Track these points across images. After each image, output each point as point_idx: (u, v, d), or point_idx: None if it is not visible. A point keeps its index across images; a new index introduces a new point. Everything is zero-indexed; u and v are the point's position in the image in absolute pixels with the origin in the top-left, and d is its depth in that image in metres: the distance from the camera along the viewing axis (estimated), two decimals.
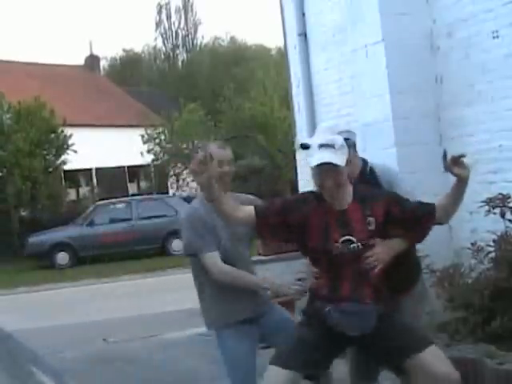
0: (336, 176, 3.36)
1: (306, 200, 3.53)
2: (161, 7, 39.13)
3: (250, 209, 3.50)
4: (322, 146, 3.35)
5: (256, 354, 3.90)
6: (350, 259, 3.40)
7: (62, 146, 21.16)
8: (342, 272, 3.42)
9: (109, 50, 67.85)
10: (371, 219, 3.42)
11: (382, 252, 3.42)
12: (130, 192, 24.94)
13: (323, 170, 3.35)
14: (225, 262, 3.78)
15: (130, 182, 27.35)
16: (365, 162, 3.96)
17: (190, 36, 39.92)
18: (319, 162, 3.32)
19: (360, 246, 3.39)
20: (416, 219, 3.49)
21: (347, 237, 3.39)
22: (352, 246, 3.39)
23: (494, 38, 5.64)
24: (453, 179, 3.48)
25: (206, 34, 59.65)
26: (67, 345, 7.86)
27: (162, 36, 39.46)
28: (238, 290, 3.79)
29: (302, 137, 8.44)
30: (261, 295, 3.85)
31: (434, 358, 3.33)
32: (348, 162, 3.42)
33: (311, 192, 3.60)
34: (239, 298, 3.81)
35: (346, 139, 3.46)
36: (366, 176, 3.87)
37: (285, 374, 3.31)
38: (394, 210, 3.46)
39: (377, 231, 3.43)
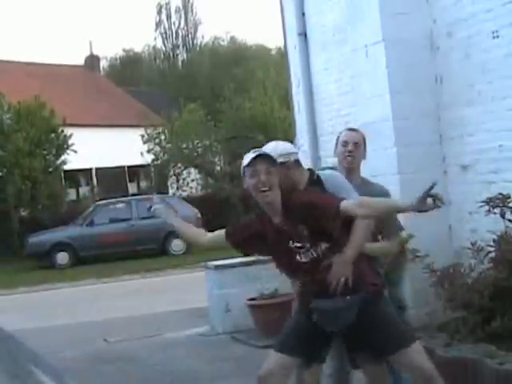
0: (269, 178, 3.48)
1: (258, 215, 3.66)
2: (161, 7, 39.11)
3: (220, 232, 3.73)
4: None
5: None
6: (309, 266, 3.51)
7: (62, 146, 21.15)
8: (308, 275, 3.55)
9: (109, 50, 67.83)
10: (301, 226, 3.50)
11: (339, 270, 3.48)
12: (130, 192, 24.93)
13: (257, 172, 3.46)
14: None
15: (130, 181, 27.33)
16: (311, 171, 4.04)
17: (189, 36, 39.90)
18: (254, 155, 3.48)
19: (312, 254, 3.49)
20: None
21: (296, 244, 3.51)
22: (303, 251, 3.50)
23: (493, 37, 5.64)
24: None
25: (206, 34, 59.60)
26: (67, 345, 7.86)
27: (162, 36, 39.43)
28: None
29: (301, 137, 8.44)
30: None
31: (419, 354, 3.46)
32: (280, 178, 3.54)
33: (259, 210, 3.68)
34: None
35: (282, 163, 3.62)
36: (313, 184, 3.93)
37: (277, 357, 3.53)
38: (314, 212, 3.49)
39: (313, 234, 3.49)
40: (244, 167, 3.55)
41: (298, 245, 3.50)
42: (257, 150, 3.57)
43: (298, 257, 3.51)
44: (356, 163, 4.20)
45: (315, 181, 3.88)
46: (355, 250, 3.53)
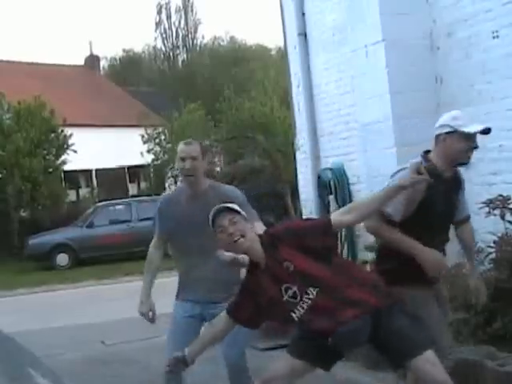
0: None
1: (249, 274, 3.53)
2: (161, 7, 39.12)
3: (225, 320, 3.57)
4: None
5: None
6: (305, 307, 3.34)
7: (62, 146, 21.13)
8: (307, 319, 3.36)
9: (109, 50, 67.86)
10: (287, 263, 3.36)
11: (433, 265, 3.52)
12: (131, 193, 24.92)
13: None
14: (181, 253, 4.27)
15: (130, 182, 27.32)
16: None
17: (189, 36, 39.90)
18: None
19: (305, 302, 3.33)
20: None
21: (285, 285, 3.34)
22: (293, 292, 3.33)
23: (493, 37, 5.63)
24: None
25: (206, 34, 59.70)
26: (66, 346, 7.84)
27: (162, 36, 39.44)
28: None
29: (302, 137, 8.44)
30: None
31: (429, 364, 3.29)
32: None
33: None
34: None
35: None
36: None
37: (288, 360, 3.47)
38: (305, 242, 3.38)
39: (299, 271, 3.34)
40: (211, 227, 3.47)
41: (290, 292, 3.33)
42: (216, 208, 3.47)
43: (295, 313, 3.35)
44: (198, 177, 4.15)
45: None
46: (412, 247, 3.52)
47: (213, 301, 4.13)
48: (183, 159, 4.12)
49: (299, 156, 8.56)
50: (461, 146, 3.59)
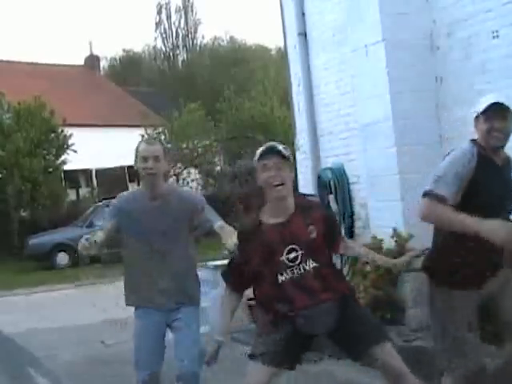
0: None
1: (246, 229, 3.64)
2: (161, 7, 39.17)
3: (229, 291, 3.72)
4: None
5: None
6: (296, 278, 3.48)
7: (62, 146, 21.15)
8: (290, 286, 3.49)
9: (109, 50, 67.88)
10: (312, 227, 3.52)
11: None
12: None
13: None
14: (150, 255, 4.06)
15: (130, 182, 27.31)
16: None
17: (190, 36, 39.94)
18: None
19: (300, 269, 3.48)
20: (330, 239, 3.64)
21: (290, 246, 3.48)
22: (295, 255, 3.47)
23: (493, 37, 5.63)
24: None
25: (206, 34, 59.71)
26: (66, 346, 7.84)
27: (162, 36, 39.49)
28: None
29: (302, 137, 8.43)
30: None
31: (390, 352, 3.50)
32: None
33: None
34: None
35: None
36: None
37: (262, 368, 3.55)
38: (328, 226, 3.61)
39: (316, 241, 3.51)
40: (255, 161, 3.54)
41: (291, 256, 3.47)
42: (269, 144, 3.55)
43: (282, 276, 3.47)
44: (159, 178, 4.07)
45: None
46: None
47: (175, 307, 4.11)
48: (145, 158, 4.01)
49: (299, 156, 8.55)
50: (483, 128, 3.56)
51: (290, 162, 3.54)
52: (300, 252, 3.47)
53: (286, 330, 3.54)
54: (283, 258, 3.47)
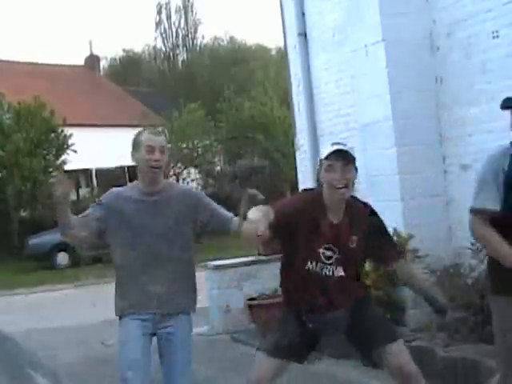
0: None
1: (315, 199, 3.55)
2: (161, 7, 39.13)
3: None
4: None
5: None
6: (321, 277, 3.47)
7: (62, 146, 21.16)
8: (312, 280, 3.48)
9: (109, 50, 67.87)
10: (354, 238, 3.48)
11: None
12: None
13: None
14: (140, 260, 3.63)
15: (130, 182, 27.29)
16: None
17: (189, 36, 39.90)
18: None
19: (328, 270, 3.46)
20: (382, 249, 3.58)
21: (330, 245, 3.45)
22: (330, 255, 3.45)
23: (493, 37, 5.63)
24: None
25: (205, 34, 59.66)
26: (66, 346, 7.85)
27: (162, 36, 39.44)
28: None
29: (302, 137, 8.43)
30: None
31: (401, 352, 3.48)
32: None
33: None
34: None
35: None
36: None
37: (270, 361, 3.50)
38: (372, 234, 3.52)
39: (354, 251, 3.49)
40: (321, 160, 3.50)
41: (327, 253, 3.45)
42: (338, 143, 3.53)
43: (314, 264, 3.46)
44: (162, 173, 3.72)
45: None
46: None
47: (165, 314, 3.69)
48: (151, 149, 3.63)
49: (299, 156, 8.55)
50: None
51: (355, 163, 3.52)
52: (336, 256, 3.46)
53: (296, 325, 3.54)
54: (321, 250, 3.45)
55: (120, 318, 3.71)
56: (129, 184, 3.93)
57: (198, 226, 3.74)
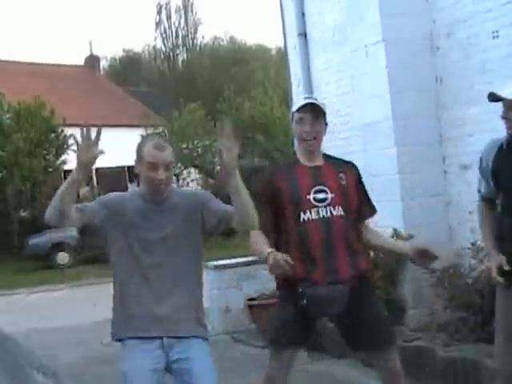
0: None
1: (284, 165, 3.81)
2: (161, 7, 39.13)
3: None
4: None
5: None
6: (320, 220, 3.40)
7: (62, 146, 21.16)
8: (312, 233, 3.39)
9: (109, 50, 67.87)
10: (343, 175, 3.53)
11: None
12: None
13: None
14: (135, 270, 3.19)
15: (130, 181, 27.34)
16: None
17: (189, 36, 39.91)
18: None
19: (326, 212, 3.41)
20: (362, 202, 3.61)
21: (319, 187, 3.46)
22: (324, 197, 3.44)
23: (493, 37, 5.63)
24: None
25: (205, 34, 59.71)
26: (66, 346, 7.85)
27: (162, 36, 39.45)
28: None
29: None
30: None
31: (394, 358, 3.47)
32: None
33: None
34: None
35: None
36: None
37: (279, 353, 3.49)
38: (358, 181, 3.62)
39: (347, 189, 3.50)
40: (292, 112, 3.60)
41: (319, 196, 3.43)
42: (308, 97, 3.64)
43: (308, 213, 3.40)
44: (169, 186, 3.26)
45: None
46: None
47: (176, 340, 3.17)
48: (154, 166, 3.13)
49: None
50: (502, 113, 3.50)
51: (325, 116, 3.58)
52: (330, 195, 3.44)
53: (291, 310, 3.46)
54: (310, 197, 3.43)
55: (121, 344, 3.19)
56: (131, 189, 3.60)
57: (208, 230, 3.26)
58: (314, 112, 3.52)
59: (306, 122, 3.51)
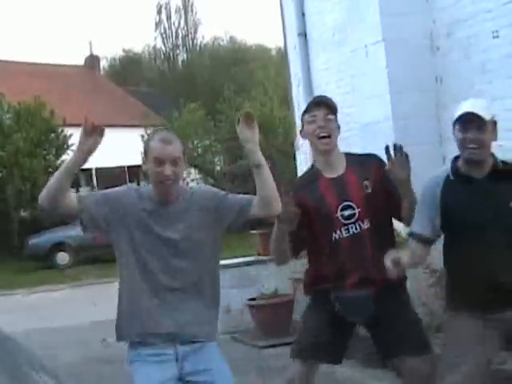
0: None
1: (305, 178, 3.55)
2: (161, 7, 39.10)
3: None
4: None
5: None
6: (351, 237, 3.29)
7: (62, 146, 21.17)
8: (345, 254, 3.30)
9: (109, 50, 67.87)
10: (367, 183, 3.36)
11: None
12: None
13: None
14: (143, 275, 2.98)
15: (130, 181, 27.35)
16: None
17: (189, 36, 39.87)
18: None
19: (355, 228, 3.28)
20: (393, 195, 3.40)
21: (346, 203, 3.30)
22: (351, 213, 3.28)
23: (493, 37, 5.63)
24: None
25: (205, 34, 59.73)
26: (66, 346, 7.85)
27: (162, 36, 39.42)
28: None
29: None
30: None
31: (425, 365, 3.33)
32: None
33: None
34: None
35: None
36: None
37: (299, 365, 3.36)
38: (384, 177, 3.38)
39: (374, 196, 3.33)
40: (303, 115, 3.47)
41: (346, 213, 3.28)
42: (316, 96, 3.48)
43: (339, 232, 3.29)
44: (177, 183, 3.06)
45: None
46: None
47: (190, 340, 2.99)
48: (160, 162, 2.94)
49: (299, 156, 8.55)
50: (458, 137, 3.14)
51: (336, 114, 3.43)
52: (357, 210, 3.30)
53: (323, 317, 3.37)
54: (338, 215, 3.30)
55: (129, 349, 3.07)
56: (140, 186, 3.26)
57: (229, 226, 3.04)
58: (326, 109, 3.39)
59: (318, 119, 3.36)
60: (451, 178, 3.15)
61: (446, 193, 3.14)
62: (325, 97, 3.52)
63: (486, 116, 3.13)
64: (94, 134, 2.98)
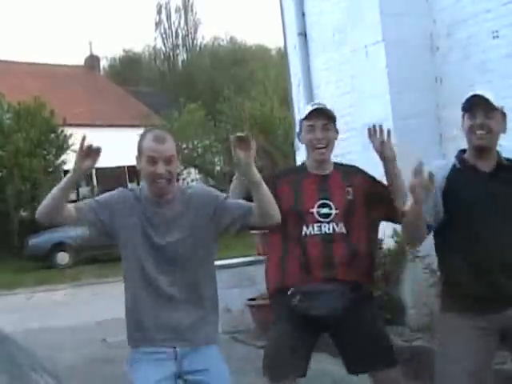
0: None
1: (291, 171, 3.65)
2: (161, 7, 39.10)
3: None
4: None
5: None
6: (322, 236, 3.26)
7: (62, 146, 21.17)
8: (312, 249, 3.27)
9: (109, 50, 67.84)
10: (350, 190, 3.37)
11: None
12: None
13: None
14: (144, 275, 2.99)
15: (130, 181, 27.34)
16: None
17: (190, 36, 39.87)
18: None
19: (328, 228, 3.26)
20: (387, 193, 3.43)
21: (324, 201, 3.31)
22: (328, 212, 3.28)
23: (493, 37, 5.63)
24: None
25: (205, 34, 59.74)
26: (66, 346, 7.85)
27: (162, 36, 39.41)
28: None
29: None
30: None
31: (394, 377, 3.28)
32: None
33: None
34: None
35: None
36: None
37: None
38: (374, 187, 3.44)
39: (354, 204, 3.33)
40: (301, 121, 3.45)
41: (323, 211, 3.27)
42: (316, 103, 3.47)
43: (310, 227, 3.27)
44: (172, 183, 3.01)
45: None
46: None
47: (189, 349, 3.01)
48: (154, 160, 2.91)
49: (299, 156, 8.55)
50: (466, 125, 3.11)
51: (335, 123, 3.44)
52: (334, 211, 3.28)
53: (288, 325, 3.32)
54: (314, 210, 3.29)
55: (131, 352, 3.10)
56: (136, 187, 3.19)
57: (223, 229, 3.05)
58: (325, 118, 3.38)
59: (317, 129, 3.36)
60: (458, 166, 3.13)
61: (453, 179, 3.09)
62: (324, 105, 3.47)
63: (494, 102, 3.19)
64: (91, 154, 2.87)
